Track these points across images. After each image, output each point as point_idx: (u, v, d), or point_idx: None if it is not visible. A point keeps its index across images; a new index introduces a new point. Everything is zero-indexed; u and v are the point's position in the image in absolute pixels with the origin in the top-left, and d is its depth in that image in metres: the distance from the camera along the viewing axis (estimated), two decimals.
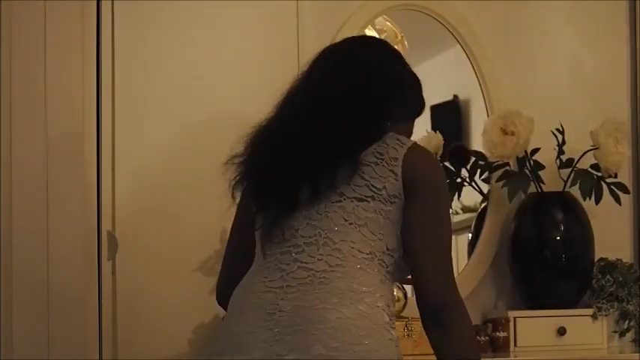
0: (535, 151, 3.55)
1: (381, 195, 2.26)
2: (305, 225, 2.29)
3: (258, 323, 2.25)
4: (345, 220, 2.26)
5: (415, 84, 2.51)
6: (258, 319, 2.25)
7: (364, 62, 2.40)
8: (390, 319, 2.26)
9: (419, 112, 2.54)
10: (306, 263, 2.25)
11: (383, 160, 2.28)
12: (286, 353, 2.19)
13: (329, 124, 2.30)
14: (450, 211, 2.41)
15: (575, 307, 3.54)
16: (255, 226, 2.38)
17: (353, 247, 2.25)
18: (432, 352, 3.33)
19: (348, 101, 2.32)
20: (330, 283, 2.22)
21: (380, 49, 2.48)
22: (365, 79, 2.37)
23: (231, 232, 2.55)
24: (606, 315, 3.53)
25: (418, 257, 2.28)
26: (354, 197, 2.26)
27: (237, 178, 2.41)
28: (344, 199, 2.27)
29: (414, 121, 2.54)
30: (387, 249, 2.28)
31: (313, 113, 2.33)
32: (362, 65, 2.39)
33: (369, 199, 2.26)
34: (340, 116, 2.31)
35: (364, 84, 2.35)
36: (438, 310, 2.27)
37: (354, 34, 3.53)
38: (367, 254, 2.26)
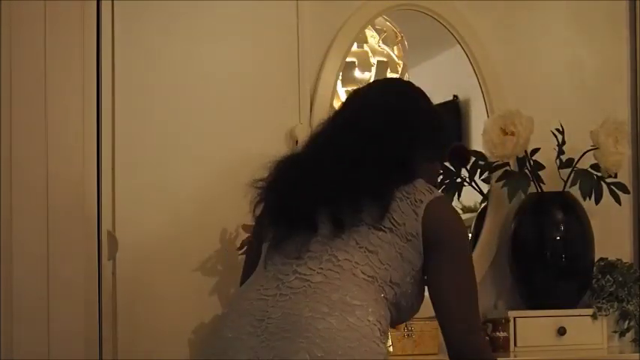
0: (535, 151, 3.55)
1: (399, 230, 2.29)
2: (315, 242, 2.29)
3: (246, 329, 2.26)
4: (357, 243, 2.27)
5: (438, 125, 2.52)
6: (247, 326, 2.26)
7: (385, 107, 2.43)
8: (381, 335, 2.25)
9: (443, 153, 2.57)
10: (304, 275, 2.26)
11: (409, 199, 2.31)
12: (270, 359, 2.19)
13: (349, 164, 2.33)
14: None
15: (575, 307, 3.54)
16: (266, 239, 2.39)
17: (356, 267, 2.26)
18: (432, 352, 3.35)
19: (367, 145, 2.36)
20: (323, 293, 2.22)
21: (403, 92, 2.50)
22: (385, 124, 2.39)
23: (249, 242, 2.58)
24: (606, 315, 3.53)
25: (444, 308, 2.33)
26: (372, 225, 2.29)
27: (258, 199, 2.43)
28: (362, 224, 2.29)
29: (440, 162, 2.57)
30: (391, 281, 2.29)
31: (334, 153, 2.36)
32: (383, 110, 2.42)
33: (386, 230, 2.29)
34: (359, 159, 2.34)
35: (384, 129, 2.38)
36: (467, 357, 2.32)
37: (354, 34, 3.53)
38: (369, 277, 2.27)
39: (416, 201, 2.31)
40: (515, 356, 3.41)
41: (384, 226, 2.28)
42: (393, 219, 2.29)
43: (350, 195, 2.30)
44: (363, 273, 2.26)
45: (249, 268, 2.48)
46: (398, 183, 2.33)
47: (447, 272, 2.31)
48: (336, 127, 2.43)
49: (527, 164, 3.56)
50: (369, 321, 2.22)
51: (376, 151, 2.35)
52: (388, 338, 3.08)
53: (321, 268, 2.25)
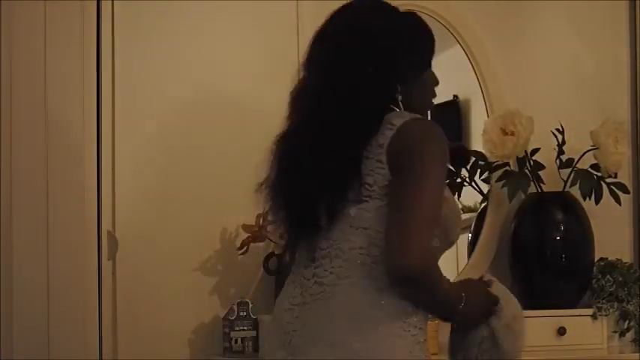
0: (535, 151, 3.55)
1: (374, 192, 2.19)
2: (321, 237, 2.25)
3: (276, 342, 2.26)
4: (351, 226, 2.21)
5: (412, 40, 2.31)
6: (276, 339, 2.26)
7: (348, 60, 2.26)
8: (405, 322, 2.17)
9: (426, 61, 2.36)
10: (320, 277, 2.22)
11: (370, 151, 2.19)
12: None
13: (325, 148, 2.22)
14: (440, 184, 2.17)
15: (575, 307, 3.54)
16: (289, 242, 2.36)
17: (362, 254, 2.20)
18: (431, 352, 3.34)
19: (340, 115, 2.23)
20: (337, 297, 2.18)
21: (358, 27, 2.30)
22: (352, 85, 2.24)
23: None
24: (606, 315, 3.53)
25: (387, 226, 2.15)
26: (355, 200, 2.21)
27: (269, 204, 2.36)
28: (349, 204, 2.22)
29: (427, 70, 2.36)
30: None
31: (313, 132, 2.25)
32: (346, 64, 2.26)
33: (367, 199, 2.20)
34: (334, 137, 2.22)
35: (354, 88, 2.24)
36: (404, 277, 2.11)
37: None
38: (377, 256, 2.19)
39: (377, 148, 2.19)
40: None
41: (364, 197, 2.20)
42: (366, 184, 2.19)
43: (334, 182, 2.21)
44: (369, 256, 2.19)
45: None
46: (368, 140, 2.19)
47: (403, 188, 2.13)
48: (308, 97, 2.29)
49: (527, 164, 3.56)
50: (387, 316, 2.16)
51: (349, 119, 2.21)
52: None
53: (333, 267, 2.20)
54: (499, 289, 2.38)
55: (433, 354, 3.32)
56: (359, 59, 2.25)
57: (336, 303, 2.18)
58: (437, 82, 2.41)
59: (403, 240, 2.09)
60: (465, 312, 2.23)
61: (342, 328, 2.15)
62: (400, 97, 2.28)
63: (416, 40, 2.34)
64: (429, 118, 3.52)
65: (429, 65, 2.37)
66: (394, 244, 2.10)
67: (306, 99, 2.31)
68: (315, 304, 2.20)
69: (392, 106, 2.27)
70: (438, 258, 2.24)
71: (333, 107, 2.24)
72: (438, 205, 2.14)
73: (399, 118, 2.21)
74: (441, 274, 2.17)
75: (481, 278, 2.39)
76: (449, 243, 2.29)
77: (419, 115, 2.26)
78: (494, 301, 2.33)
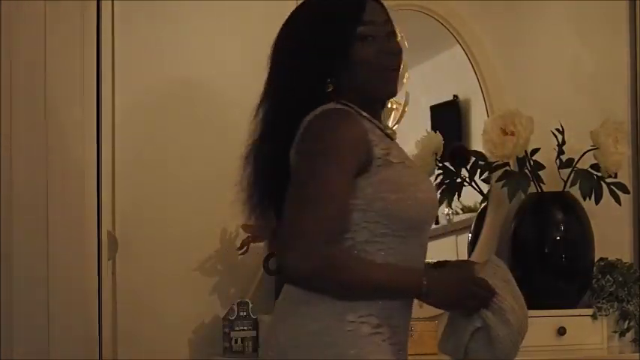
0: (535, 151, 3.55)
1: None
2: None
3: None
4: None
5: (320, 16, 2.21)
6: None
7: (277, 61, 2.26)
8: (341, 318, 2.11)
9: (350, 34, 2.16)
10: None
11: (293, 149, 2.16)
12: None
13: (269, 150, 2.24)
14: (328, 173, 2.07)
15: (575, 307, 3.54)
16: None
17: None
18: (432, 352, 3.34)
19: (275, 111, 2.24)
20: (284, 295, 2.20)
21: (285, 27, 2.32)
22: (280, 79, 2.24)
23: None
24: (606, 315, 3.53)
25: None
26: None
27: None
28: None
29: (358, 44, 2.16)
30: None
31: (264, 140, 2.27)
32: (275, 67, 2.26)
33: None
34: (270, 138, 2.24)
35: (292, 97, 2.21)
36: (291, 278, 2.10)
37: None
38: None
39: (292, 153, 2.15)
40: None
41: None
42: None
43: (275, 189, 2.21)
44: None
45: None
46: (289, 144, 2.15)
47: (292, 186, 2.09)
48: (259, 105, 2.31)
49: (527, 164, 3.56)
50: (320, 313, 2.11)
51: (278, 127, 2.20)
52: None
53: None
54: (498, 275, 2.32)
55: (433, 354, 3.32)
56: (282, 64, 2.23)
57: (283, 301, 2.20)
58: (392, 50, 2.21)
59: (286, 243, 2.06)
60: (432, 298, 2.15)
61: (283, 329, 2.16)
62: (331, 88, 2.19)
63: (330, 21, 2.19)
64: (431, 114, 3.51)
65: (358, 37, 2.17)
66: (280, 246, 2.08)
67: (258, 107, 2.32)
68: (279, 302, 2.22)
69: (338, 99, 2.19)
70: (410, 244, 2.15)
71: (270, 116, 2.25)
72: (332, 199, 2.05)
73: (311, 114, 2.15)
74: (356, 263, 2.10)
75: (485, 262, 2.29)
76: (412, 226, 2.15)
77: (331, 107, 2.16)
78: (486, 290, 2.25)
